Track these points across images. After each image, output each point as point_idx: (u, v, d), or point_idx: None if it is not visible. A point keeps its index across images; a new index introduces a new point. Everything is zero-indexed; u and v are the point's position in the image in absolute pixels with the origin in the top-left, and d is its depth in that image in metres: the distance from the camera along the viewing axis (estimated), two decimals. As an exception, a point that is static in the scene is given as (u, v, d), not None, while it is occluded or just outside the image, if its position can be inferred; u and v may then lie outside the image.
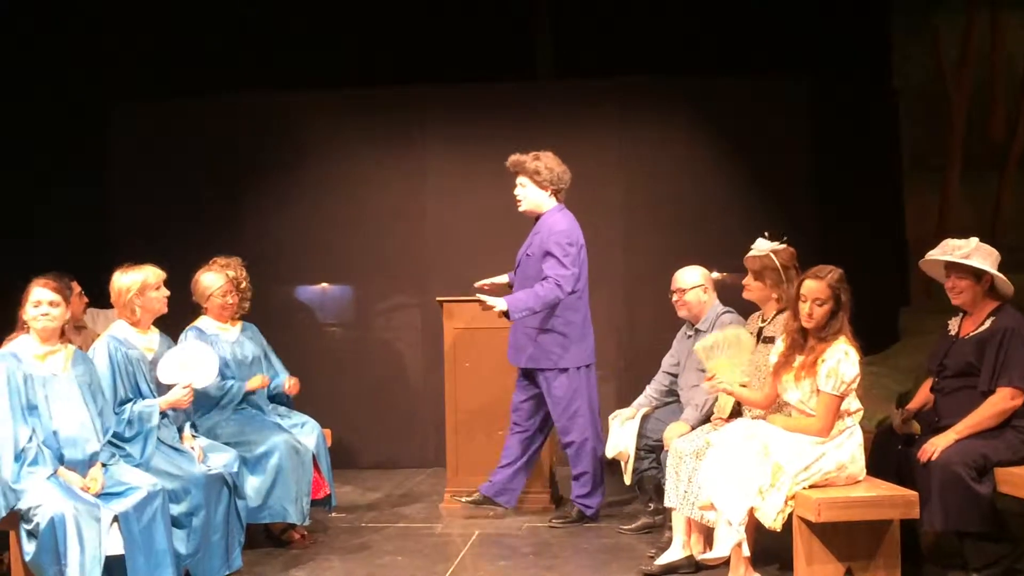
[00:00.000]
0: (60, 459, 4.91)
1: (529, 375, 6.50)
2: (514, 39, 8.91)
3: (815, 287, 4.92)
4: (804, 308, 4.93)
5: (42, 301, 4.98)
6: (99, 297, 5.73)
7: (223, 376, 6.11)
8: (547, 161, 6.38)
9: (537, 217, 6.44)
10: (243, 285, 6.41)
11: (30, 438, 4.86)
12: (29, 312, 4.99)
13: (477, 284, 6.57)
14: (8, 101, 8.29)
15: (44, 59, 8.51)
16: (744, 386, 5.36)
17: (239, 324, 6.43)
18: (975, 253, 5.24)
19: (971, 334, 5.29)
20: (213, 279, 6.27)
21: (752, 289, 5.75)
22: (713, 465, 4.90)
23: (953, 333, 5.42)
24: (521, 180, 6.40)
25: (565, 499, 6.93)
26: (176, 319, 6.12)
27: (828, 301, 4.89)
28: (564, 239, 6.28)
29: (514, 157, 6.42)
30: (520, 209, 6.43)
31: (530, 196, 6.41)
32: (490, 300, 6.20)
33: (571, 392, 6.40)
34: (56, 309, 5.02)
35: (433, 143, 8.78)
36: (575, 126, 8.63)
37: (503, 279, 6.64)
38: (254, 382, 6.30)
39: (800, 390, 4.89)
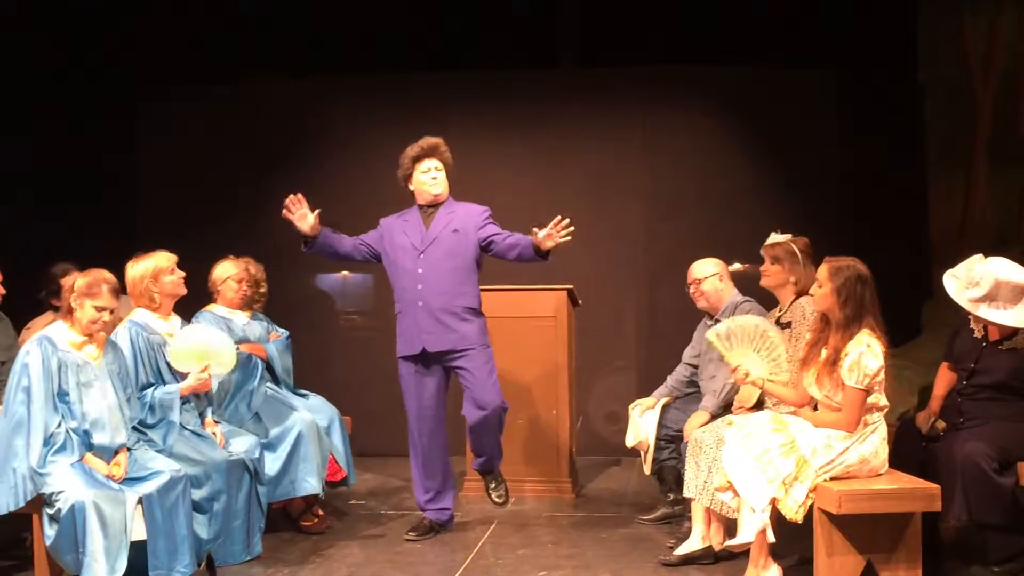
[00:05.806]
0: (88, 447, 4.94)
1: (437, 360, 6.17)
2: (539, 27, 8.89)
3: (820, 270, 4.93)
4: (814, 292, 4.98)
5: (107, 307, 4.97)
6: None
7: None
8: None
9: (430, 202, 6.21)
10: (260, 281, 6.46)
11: (59, 424, 4.88)
12: (89, 313, 4.95)
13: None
14: (40, 86, 8.33)
15: (75, 43, 8.54)
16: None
17: (249, 312, 6.46)
18: (990, 299, 5.05)
19: (1003, 344, 5.22)
20: (229, 265, 6.35)
21: (770, 274, 5.72)
22: (736, 448, 4.84)
23: (979, 336, 5.33)
24: (439, 164, 6.22)
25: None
26: (199, 305, 6.15)
27: (827, 283, 4.85)
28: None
29: (436, 140, 6.23)
30: (436, 192, 6.19)
31: (444, 180, 6.24)
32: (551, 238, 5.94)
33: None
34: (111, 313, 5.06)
35: (457, 131, 8.73)
36: (599, 114, 8.63)
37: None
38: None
39: (823, 385, 4.85)
